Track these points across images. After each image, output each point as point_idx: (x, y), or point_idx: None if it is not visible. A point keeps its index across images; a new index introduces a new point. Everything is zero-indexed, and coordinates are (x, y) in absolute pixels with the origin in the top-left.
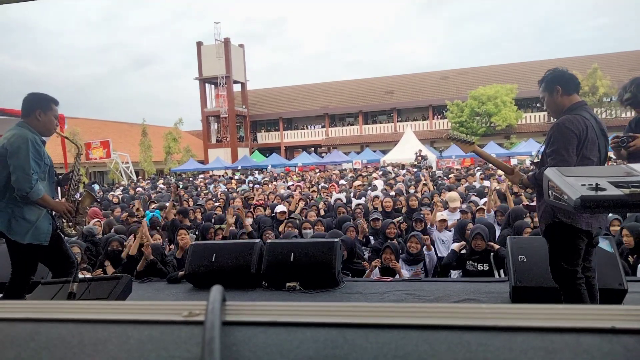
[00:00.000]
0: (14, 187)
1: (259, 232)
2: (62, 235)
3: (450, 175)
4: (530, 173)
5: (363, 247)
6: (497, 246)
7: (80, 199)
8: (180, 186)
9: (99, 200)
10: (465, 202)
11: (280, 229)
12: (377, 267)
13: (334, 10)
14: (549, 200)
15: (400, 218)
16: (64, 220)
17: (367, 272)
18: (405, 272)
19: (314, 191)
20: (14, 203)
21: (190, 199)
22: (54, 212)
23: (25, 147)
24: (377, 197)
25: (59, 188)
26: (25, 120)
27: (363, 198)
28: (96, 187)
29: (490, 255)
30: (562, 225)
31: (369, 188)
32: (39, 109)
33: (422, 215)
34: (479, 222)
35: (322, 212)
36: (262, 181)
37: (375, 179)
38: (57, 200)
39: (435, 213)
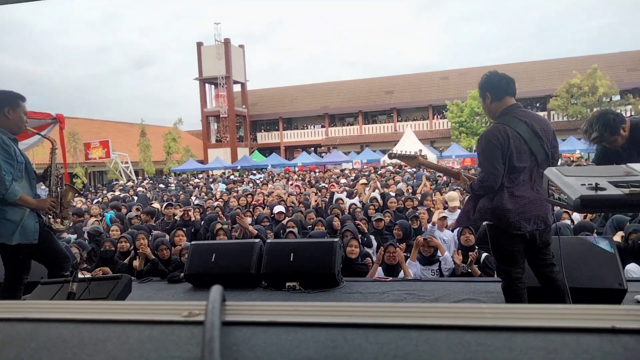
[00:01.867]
0: None
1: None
2: (51, 231)
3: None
4: (469, 182)
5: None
6: (482, 255)
7: (62, 192)
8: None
9: (81, 193)
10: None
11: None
12: (381, 266)
13: (334, 11)
14: (548, 199)
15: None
16: (50, 217)
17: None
18: (414, 272)
19: (313, 192)
20: None
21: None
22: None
23: None
24: (375, 198)
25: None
26: None
27: (357, 198)
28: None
29: (481, 257)
30: (492, 227)
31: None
32: (8, 107)
33: (417, 214)
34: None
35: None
36: (259, 181)
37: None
38: (39, 198)
39: (438, 212)
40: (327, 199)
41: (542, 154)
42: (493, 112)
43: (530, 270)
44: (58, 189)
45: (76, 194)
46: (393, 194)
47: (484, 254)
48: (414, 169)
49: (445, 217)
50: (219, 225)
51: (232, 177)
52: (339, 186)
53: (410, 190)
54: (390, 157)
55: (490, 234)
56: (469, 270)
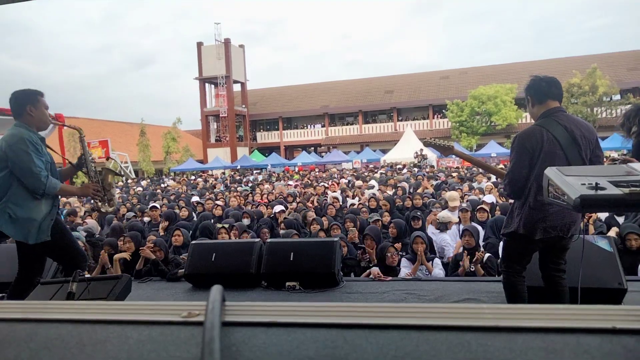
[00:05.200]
0: (11, 188)
1: (257, 231)
2: (68, 228)
3: (454, 174)
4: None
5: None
6: (484, 255)
7: (102, 177)
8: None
9: (120, 173)
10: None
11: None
12: (378, 267)
13: (334, 10)
14: (548, 199)
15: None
16: (97, 201)
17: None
18: (406, 271)
19: (312, 193)
20: (12, 203)
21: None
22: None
23: (24, 148)
24: (373, 197)
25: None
26: (20, 120)
27: (357, 198)
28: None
29: (484, 257)
30: (518, 235)
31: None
32: (29, 104)
33: (418, 214)
34: (496, 220)
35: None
36: (258, 181)
37: (371, 178)
38: (79, 185)
39: (433, 213)
40: (325, 199)
41: (579, 162)
42: (534, 116)
43: (531, 269)
44: (96, 173)
45: (115, 175)
46: (391, 193)
47: (487, 255)
48: (416, 170)
49: (450, 222)
50: (219, 225)
51: (221, 178)
52: (338, 185)
53: (411, 190)
54: (425, 144)
55: (516, 240)
56: (472, 269)
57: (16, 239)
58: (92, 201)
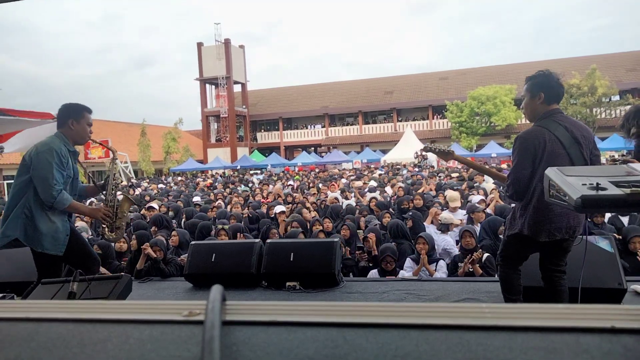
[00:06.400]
0: (26, 193)
1: (265, 233)
2: (79, 232)
3: (453, 174)
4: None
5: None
6: (483, 255)
7: (119, 203)
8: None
9: (137, 204)
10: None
11: (281, 230)
12: (376, 269)
13: (334, 11)
14: (549, 199)
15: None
16: (104, 226)
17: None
18: (407, 273)
19: (314, 194)
20: (28, 209)
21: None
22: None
23: (49, 158)
24: (373, 198)
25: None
26: (60, 130)
27: (353, 199)
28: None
29: (483, 257)
30: (522, 237)
31: (366, 190)
32: (72, 118)
33: (410, 214)
34: (489, 221)
35: (311, 212)
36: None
37: (369, 178)
38: (92, 206)
39: (433, 211)
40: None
41: (581, 161)
42: (535, 113)
43: (531, 269)
44: (115, 198)
45: (132, 205)
46: (392, 193)
47: (486, 254)
48: (416, 170)
49: (451, 224)
50: (220, 226)
51: (222, 178)
52: (337, 186)
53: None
54: (425, 150)
55: (519, 240)
56: (471, 269)
57: (27, 245)
58: (100, 227)
